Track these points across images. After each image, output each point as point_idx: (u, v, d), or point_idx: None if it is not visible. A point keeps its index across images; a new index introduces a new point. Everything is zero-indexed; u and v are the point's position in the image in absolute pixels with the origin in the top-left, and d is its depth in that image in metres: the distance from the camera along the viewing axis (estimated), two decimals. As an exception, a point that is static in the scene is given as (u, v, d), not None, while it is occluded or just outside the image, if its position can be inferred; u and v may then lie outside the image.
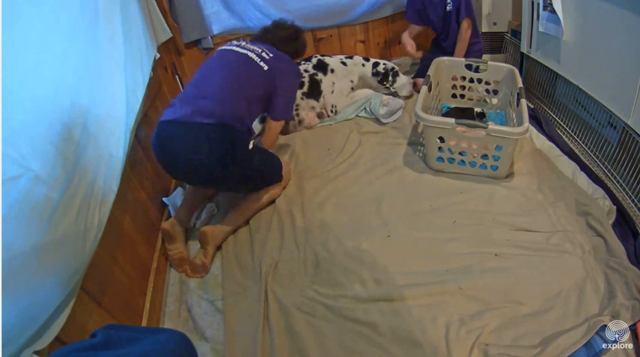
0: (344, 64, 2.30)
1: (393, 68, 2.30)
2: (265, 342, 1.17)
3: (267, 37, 1.75)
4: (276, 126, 1.67)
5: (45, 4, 1.01)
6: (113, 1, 1.41)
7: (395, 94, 2.34)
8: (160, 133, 1.41)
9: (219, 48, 1.66)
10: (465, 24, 2.18)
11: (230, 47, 1.62)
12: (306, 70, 2.20)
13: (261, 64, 1.55)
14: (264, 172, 1.57)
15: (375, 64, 2.31)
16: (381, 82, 2.30)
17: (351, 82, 2.32)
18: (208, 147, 1.36)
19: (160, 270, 1.44)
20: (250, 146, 1.47)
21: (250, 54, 1.57)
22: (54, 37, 1.03)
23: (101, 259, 1.08)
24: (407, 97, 2.33)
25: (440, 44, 2.39)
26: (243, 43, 1.63)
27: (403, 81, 2.31)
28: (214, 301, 1.34)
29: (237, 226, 1.57)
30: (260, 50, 1.60)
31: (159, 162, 1.46)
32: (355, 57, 2.35)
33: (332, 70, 2.25)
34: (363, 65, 2.32)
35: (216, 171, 1.39)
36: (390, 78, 2.29)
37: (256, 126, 1.96)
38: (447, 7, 2.19)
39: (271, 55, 1.60)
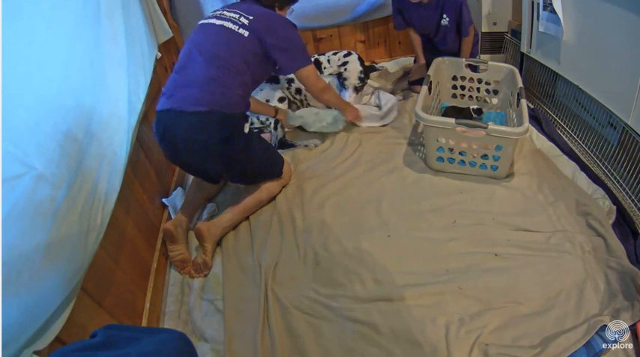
0: (329, 61, 2.21)
1: (361, 79, 2.10)
2: (265, 342, 1.17)
3: None
4: (304, 75, 1.59)
5: (47, 2, 1.01)
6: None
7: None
8: (159, 123, 1.43)
9: (200, 22, 1.56)
10: (468, 39, 2.16)
11: (208, 21, 1.53)
12: None
13: (240, 30, 1.46)
14: (264, 160, 1.58)
15: (344, 64, 2.14)
16: (342, 84, 2.15)
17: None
18: (203, 133, 1.38)
19: (160, 270, 1.44)
20: (246, 130, 1.48)
21: (227, 24, 1.48)
22: (57, 35, 1.03)
23: (101, 259, 1.08)
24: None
25: (437, 46, 2.34)
26: (220, 12, 1.54)
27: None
28: (214, 301, 1.34)
29: (234, 222, 1.57)
30: (238, 16, 1.49)
31: (163, 151, 1.50)
32: (352, 55, 2.19)
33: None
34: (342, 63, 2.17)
35: (215, 155, 1.41)
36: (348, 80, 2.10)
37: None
38: (443, 22, 2.12)
39: (250, 17, 1.49)
